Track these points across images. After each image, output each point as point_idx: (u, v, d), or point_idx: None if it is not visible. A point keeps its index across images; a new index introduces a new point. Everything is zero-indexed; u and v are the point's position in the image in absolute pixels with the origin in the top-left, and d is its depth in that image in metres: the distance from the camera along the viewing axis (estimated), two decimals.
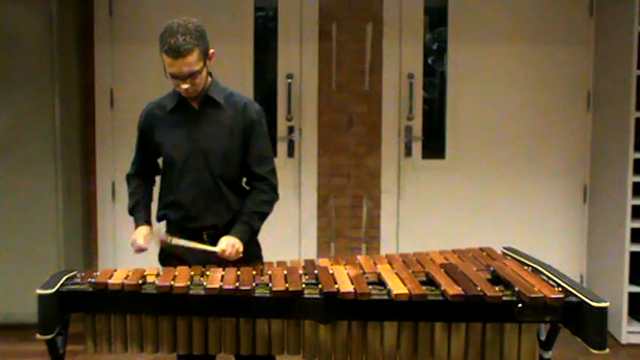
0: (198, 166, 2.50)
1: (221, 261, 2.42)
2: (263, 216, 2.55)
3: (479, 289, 2.15)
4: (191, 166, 2.50)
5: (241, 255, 2.44)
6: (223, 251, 2.41)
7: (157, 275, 2.30)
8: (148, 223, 2.60)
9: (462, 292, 2.13)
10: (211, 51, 2.44)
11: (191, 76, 2.37)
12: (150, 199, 2.68)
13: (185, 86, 2.39)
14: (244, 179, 2.62)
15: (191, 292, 2.20)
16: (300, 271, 2.35)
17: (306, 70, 4.41)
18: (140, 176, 2.68)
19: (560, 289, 2.17)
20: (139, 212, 2.61)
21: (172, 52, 2.33)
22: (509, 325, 2.14)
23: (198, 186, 2.51)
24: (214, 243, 2.45)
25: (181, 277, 2.27)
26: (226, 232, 2.47)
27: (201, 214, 2.52)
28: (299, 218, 4.48)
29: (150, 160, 2.65)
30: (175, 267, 2.38)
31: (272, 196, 2.57)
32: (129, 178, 2.69)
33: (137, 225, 2.58)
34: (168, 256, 2.56)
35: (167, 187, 2.58)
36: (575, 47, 4.38)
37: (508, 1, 4.40)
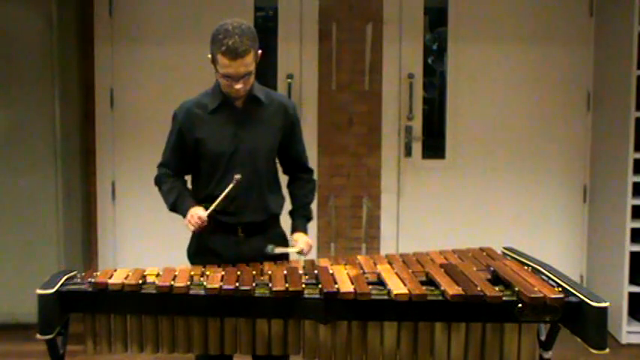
0: (243, 163, 2.53)
1: (264, 255, 2.51)
2: (311, 203, 2.77)
3: (479, 289, 2.15)
4: (236, 164, 2.53)
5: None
6: (302, 250, 2.59)
7: (157, 275, 2.30)
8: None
9: (462, 292, 2.13)
10: (259, 51, 2.48)
11: (246, 76, 2.42)
12: (190, 192, 2.66)
13: (239, 86, 2.43)
14: (283, 168, 2.76)
15: (191, 292, 2.20)
16: (300, 271, 2.35)
17: (306, 70, 4.41)
18: (173, 175, 2.65)
19: (560, 289, 2.17)
20: (185, 201, 2.57)
21: (230, 53, 2.36)
22: (509, 325, 2.14)
23: (242, 183, 2.52)
24: (249, 237, 2.56)
25: (181, 277, 2.27)
26: (260, 229, 2.57)
27: (239, 210, 2.56)
28: None
29: (185, 159, 2.61)
30: (208, 262, 2.47)
31: (315, 183, 2.80)
32: (161, 177, 2.64)
33: (187, 209, 2.52)
34: (201, 250, 2.58)
35: (206, 182, 2.59)
36: (575, 47, 4.39)
37: (508, 1, 4.40)
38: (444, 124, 4.49)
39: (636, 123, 3.91)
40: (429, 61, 4.56)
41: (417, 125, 4.45)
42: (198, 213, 2.47)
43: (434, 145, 4.51)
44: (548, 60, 4.41)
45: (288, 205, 2.76)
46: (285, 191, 2.75)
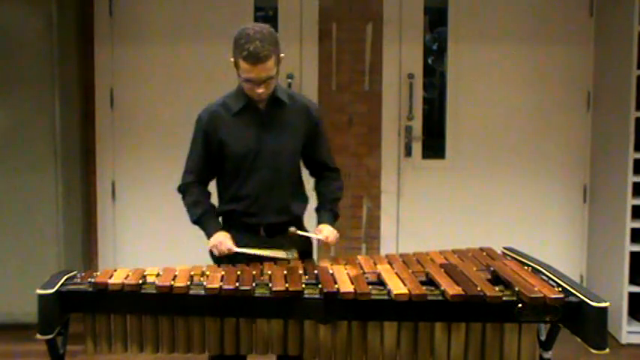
0: (266, 165, 2.56)
1: (280, 261, 2.51)
2: (339, 201, 2.76)
3: (479, 289, 2.15)
4: (259, 165, 2.56)
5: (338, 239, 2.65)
6: (327, 238, 2.59)
7: (157, 275, 2.30)
8: (222, 228, 2.61)
9: (462, 292, 2.13)
10: (281, 55, 2.49)
11: (267, 80, 2.44)
12: (215, 207, 2.67)
13: (260, 91, 2.46)
14: (309, 171, 2.78)
15: (191, 292, 2.20)
16: (300, 271, 2.35)
17: (306, 70, 4.41)
18: (200, 183, 2.65)
19: (560, 289, 2.17)
20: (211, 219, 2.61)
21: (252, 58, 2.38)
22: (509, 325, 2.14)
23: (264, 184, 2.57)
24: (270, 237, 2.58)
25: (181, 277, 2.27)
26: (281, 230, 2.57)
27: (261, 211, 2.58)
28: None
29: (211, 162, 2.62)
30: (231, 261, 2.49)
31: (342, 181, 2.80)
32: (187, 187, 2.65)
33: (212, 232, 2.57)
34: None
35: (230, 183, 2.61)
36: (575, 47, 4.38)
37: (508, 1, 4.40)
38: (444, 124, 4.48)
39: (636, 123, 3.91)
40: (429, 61, 4.55)
41: (417, 125, 4.45)
42: (228, 245, 2.51)
43: (434, 145, 4.51)
44: (548, 60, 4.40)
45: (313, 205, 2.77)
46: (309, 194, 2.76)
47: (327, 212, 2.69)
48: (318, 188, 2.76)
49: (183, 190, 2.66)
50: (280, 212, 2.60)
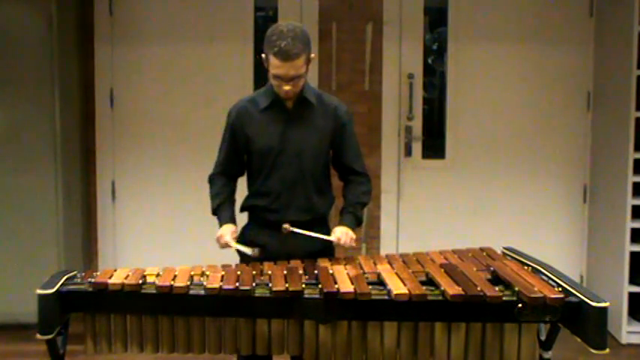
0: (289, 162, 2.58)
1: (310, 252, 2.54)
2: (364, 206, 2.73)
3: (479, 289, 2.15)
4: (282, 162, 2.58)
5: (354, 243, 2.60)
6: (339, 239, 2.56)
7: (157, 275, 2.30)
8: (233, 222, 2.65)
9: (462, 292, 2.13)
10: (312, 55, 2.51)
11: (295, 78, 2.46)
12: (234, 200, 2.72)
13: (287, 88, 2.48)
14: (338, 174, 2.78)
15: (191, 292, 2.20)
16: (300, 271, 2.35)
17: None
18: (225, 176, 2.71)
19: (560, 289, 2.17)
20: (225, 211, 2.65)
21: (282, 55, 2.40)
22: (509, 325, 2.14)
23: (287, 181, 2.59)
24: (293, 234, 2.55)
25: (181, 277, 2.27)
26: (304, 228, 2.57)
27: (283, 208, 2.60)
28: None
29: (238, 157, 2.68)
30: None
31: (369, 187, 2.76)
32: (213, 178, 2.71)
33: (222, 223, 2.62)
34: (249, 244, 2.59)
35: (255, 178, 2.65)
36: (575, 47, 4.38)
37: (508, 1, 4.40)
38: (444, 124, 4.48)
39: (636, 123, 3.91)
40: (429, 61, 4.56)
41: (417, 125, 4.45)
42: (226, 239, 2.55)
43: (434, 145, 4.51)
44: (549, 60, 4.40)
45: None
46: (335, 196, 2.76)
47: (347, 215, 2.66)
48: (343, 192, 2.75)
49: (210, 181, 2.73)
50: (303, 210, 2.61)
